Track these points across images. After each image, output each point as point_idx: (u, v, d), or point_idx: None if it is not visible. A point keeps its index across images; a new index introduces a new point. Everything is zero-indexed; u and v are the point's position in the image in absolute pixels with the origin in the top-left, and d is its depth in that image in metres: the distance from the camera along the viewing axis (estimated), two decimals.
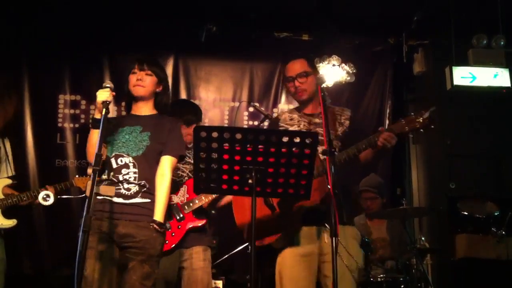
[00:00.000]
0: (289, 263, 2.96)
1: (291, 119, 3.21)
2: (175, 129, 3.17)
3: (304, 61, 3.17)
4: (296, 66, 3.16)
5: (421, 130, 2.86)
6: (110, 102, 2.83)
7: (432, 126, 2.83)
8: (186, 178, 3.78)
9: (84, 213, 2.47)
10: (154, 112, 3.17)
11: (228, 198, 3.69)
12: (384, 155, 3.02)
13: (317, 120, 3.11)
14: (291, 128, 3.15)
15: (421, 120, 2.84)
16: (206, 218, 3.70)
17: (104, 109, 2.77)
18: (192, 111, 3.91)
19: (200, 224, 3.66)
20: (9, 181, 3.94)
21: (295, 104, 3.46)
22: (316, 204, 2.85)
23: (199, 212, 3.67)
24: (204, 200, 3.65)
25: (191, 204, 3.65)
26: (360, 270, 2.99)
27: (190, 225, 3.64)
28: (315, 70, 3.22)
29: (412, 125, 2.86)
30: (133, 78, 3.09)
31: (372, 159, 3.09)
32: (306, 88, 3.12)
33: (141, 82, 3.06)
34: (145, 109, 3.15)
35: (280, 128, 3.18)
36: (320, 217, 2.91)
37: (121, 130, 3.05)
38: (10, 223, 3.82)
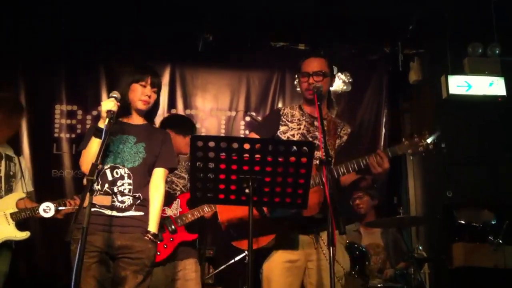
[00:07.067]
0: (277, 268, 2.95)
1: (292, 116, 3.14)
2: (168, 141, 3.15)
3: (323, 61, 3.09)
4: (315, 63, 3.07)
5: (423, 154, 2.87)
6: (114, 112, 2.78)
7: (435, 152, 2.84)
8: (179, 192, 3.87)
9: (72, 222, 2.45)
10: (144, 121, 3.13)
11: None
12: (377, 181, 3.00)
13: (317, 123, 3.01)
14: (290, 125, 3.11)
15: (424, 145, 2.84)
16: (197, 233, 3.79)
17: (107, 119, 2.74)
18: (188, 123, 4.16)
19: (192, 239, 3.77)
20: (23, 195, 4.02)
21: None
22: (312, 214, 2.83)
23: (191, 227, 3.76)
24: (196, 215, 3.73)
25: (184, 218, 3.73)
26: (348, 276, 2.95)
27: (183, 239, 3.73)
28: (332, 74, 3.14)
29: (415, 149, 2.85)
30: (139, 90, 3.01)
31: (351, 183, 3.04)
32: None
33: (149, 100, 3.02)
34: (137, 119, 3.11)
35: (281, 122, 3.12)
36: (313, 225, 2.90)
37: (113, 139, 2.96)
38: (23, 235, 3.88)
